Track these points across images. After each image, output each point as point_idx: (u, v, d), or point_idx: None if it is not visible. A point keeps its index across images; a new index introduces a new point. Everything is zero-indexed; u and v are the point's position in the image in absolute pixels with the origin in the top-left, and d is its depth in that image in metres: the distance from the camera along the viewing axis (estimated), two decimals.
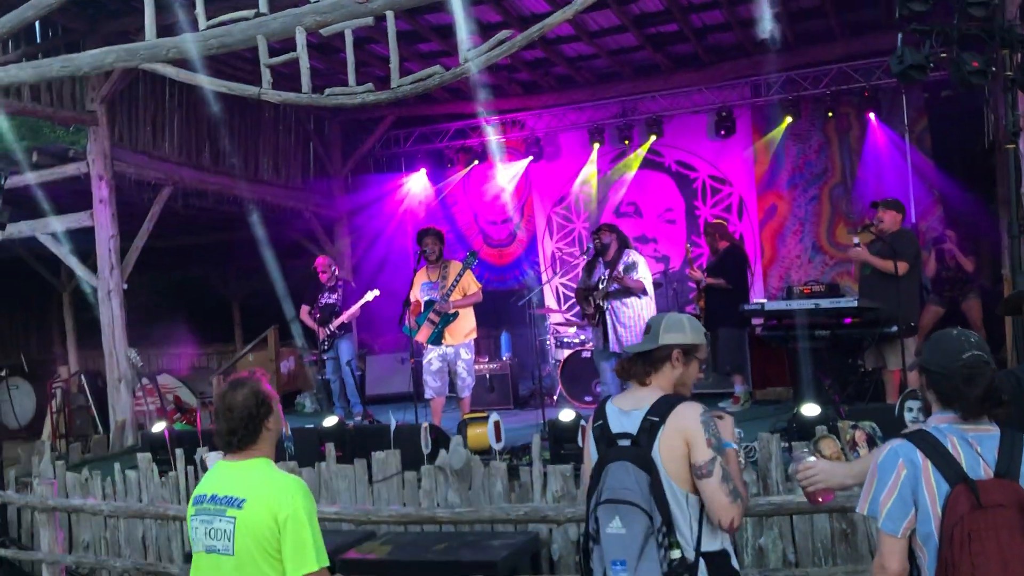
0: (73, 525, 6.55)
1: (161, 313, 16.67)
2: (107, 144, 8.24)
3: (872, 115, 9.84)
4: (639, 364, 2.89)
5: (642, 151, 10.88)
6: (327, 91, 5.52)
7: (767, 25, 8.05)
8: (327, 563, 2.62)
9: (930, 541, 2.39)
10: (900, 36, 4.13)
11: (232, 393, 2.73)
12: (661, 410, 2.75)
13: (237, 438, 2.71)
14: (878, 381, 6.80)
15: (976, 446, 2.41)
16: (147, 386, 8.96)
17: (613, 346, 7.22)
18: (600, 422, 2.86)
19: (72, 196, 8.52)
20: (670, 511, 2.67)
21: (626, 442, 2.76)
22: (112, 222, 8.19)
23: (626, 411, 2.83)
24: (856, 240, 6.67)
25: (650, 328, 2.94)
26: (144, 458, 6.43)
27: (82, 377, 12.39)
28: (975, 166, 10.24)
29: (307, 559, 2.57)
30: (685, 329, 2.90)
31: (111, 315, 8.19)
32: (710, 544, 2.72)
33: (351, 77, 5.41)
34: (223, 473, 2.77)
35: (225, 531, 2.61)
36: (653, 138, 10.70)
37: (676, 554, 2.63)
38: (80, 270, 8.37)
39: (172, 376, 11.86)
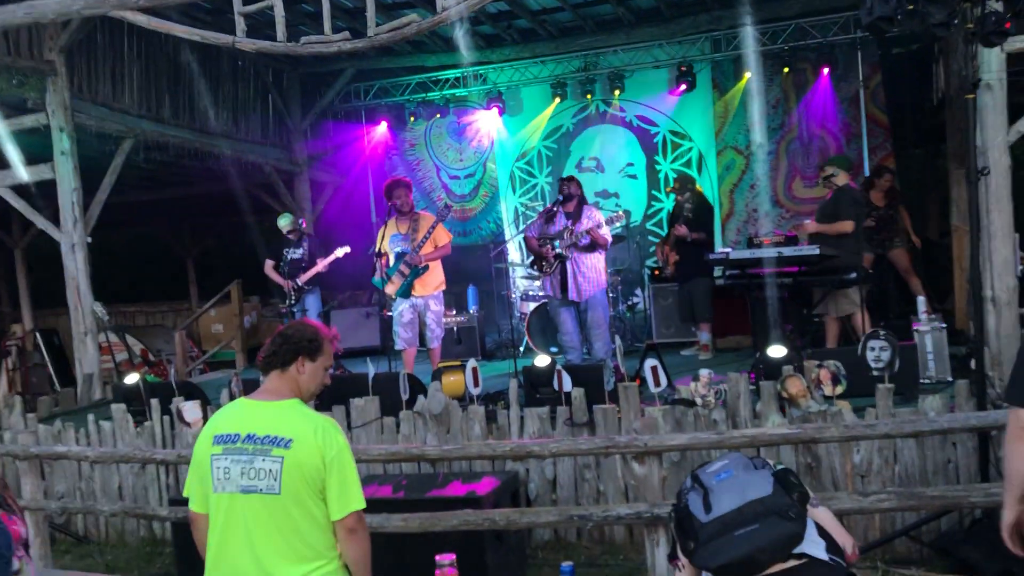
0: (47, 476, 6.55)
1: (114, 270, 16.44)
2: (67, 95, 8.06)
3: (827, 70, 10.05)
4: None
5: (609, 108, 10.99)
6: (303, 40, 5.53)
7: None
8: (364, 504, 2.69)
9: None
10: None
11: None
12: None
13: (279, 359, 2.80)
14: (818, 326, 7.02)
15: None
16: (114, 342, 8.92)
17: (572, 295, 7.19)
18: None
19: (29, 148, 8.35)
20: None
21: None
22: (74, 175, 8.06)
23: None
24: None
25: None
26: (119, 408, 6.45)
27: (37, 335, 12.23)
28: (924, 122, 10.58)
29: (353, 498, 2.65)
30: None
31: (75, 269, 8.08)
32: None
33: (327, 25, 5.42)
34: (254, 412, 2.74)
35: (270, 471, 2.60)
36: (617, 93, 10.79)
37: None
38: (42, 223, 8.24)
39: (130, 335, 11.76)
